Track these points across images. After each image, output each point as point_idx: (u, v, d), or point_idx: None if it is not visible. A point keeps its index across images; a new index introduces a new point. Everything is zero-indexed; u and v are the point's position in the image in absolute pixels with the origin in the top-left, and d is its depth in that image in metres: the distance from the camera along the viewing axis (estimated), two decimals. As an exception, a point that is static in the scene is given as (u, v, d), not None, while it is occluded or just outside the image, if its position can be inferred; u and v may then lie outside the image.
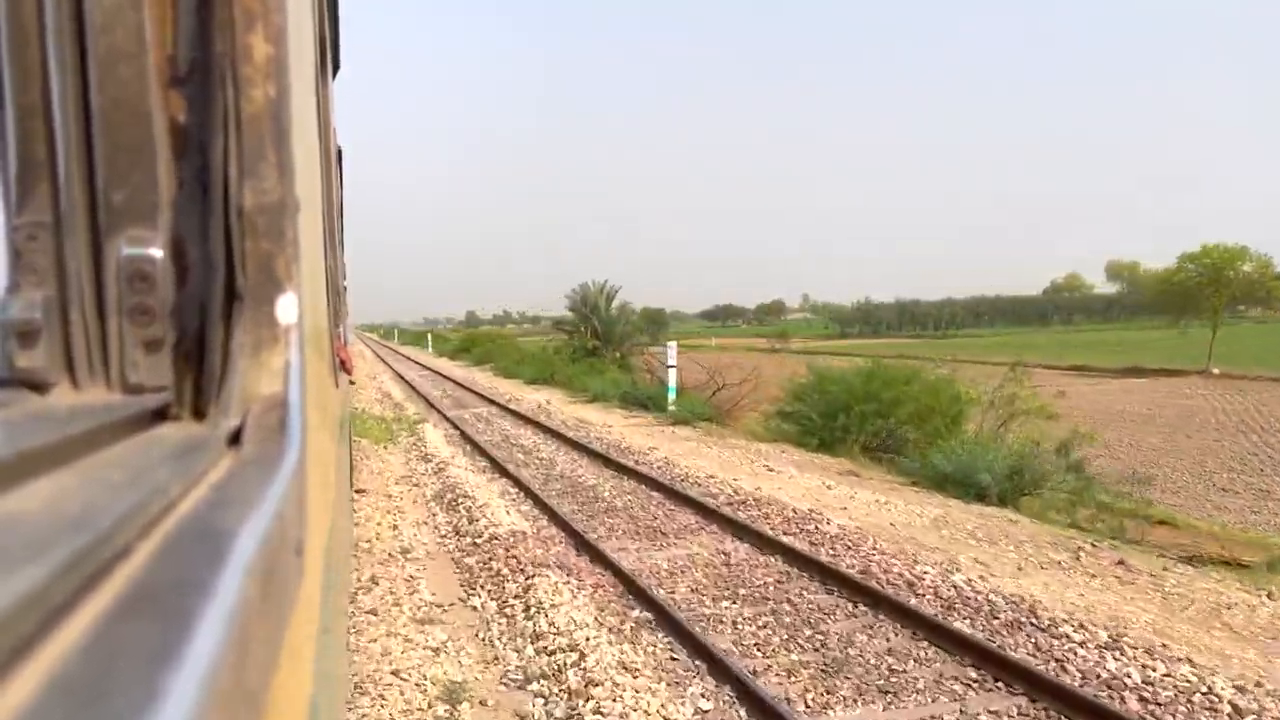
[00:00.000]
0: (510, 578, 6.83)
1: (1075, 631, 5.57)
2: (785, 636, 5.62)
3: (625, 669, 5.07)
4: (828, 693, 4.85)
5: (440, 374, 33.20)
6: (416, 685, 5.02)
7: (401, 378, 30.89)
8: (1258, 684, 4.86)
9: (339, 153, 5.31)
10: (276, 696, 0.47)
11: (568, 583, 6.60)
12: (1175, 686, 4.81)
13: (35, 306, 0.63)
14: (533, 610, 6.10)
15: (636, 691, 4.78)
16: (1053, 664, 5.14)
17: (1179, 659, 5.17)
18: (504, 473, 11.13)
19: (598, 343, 31.69)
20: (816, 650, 5.41)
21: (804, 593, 6.40)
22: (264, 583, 0.44)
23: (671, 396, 17.59)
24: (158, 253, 0.65)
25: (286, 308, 0.68)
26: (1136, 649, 5.29)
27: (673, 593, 6.46)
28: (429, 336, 71.73)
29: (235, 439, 0.63)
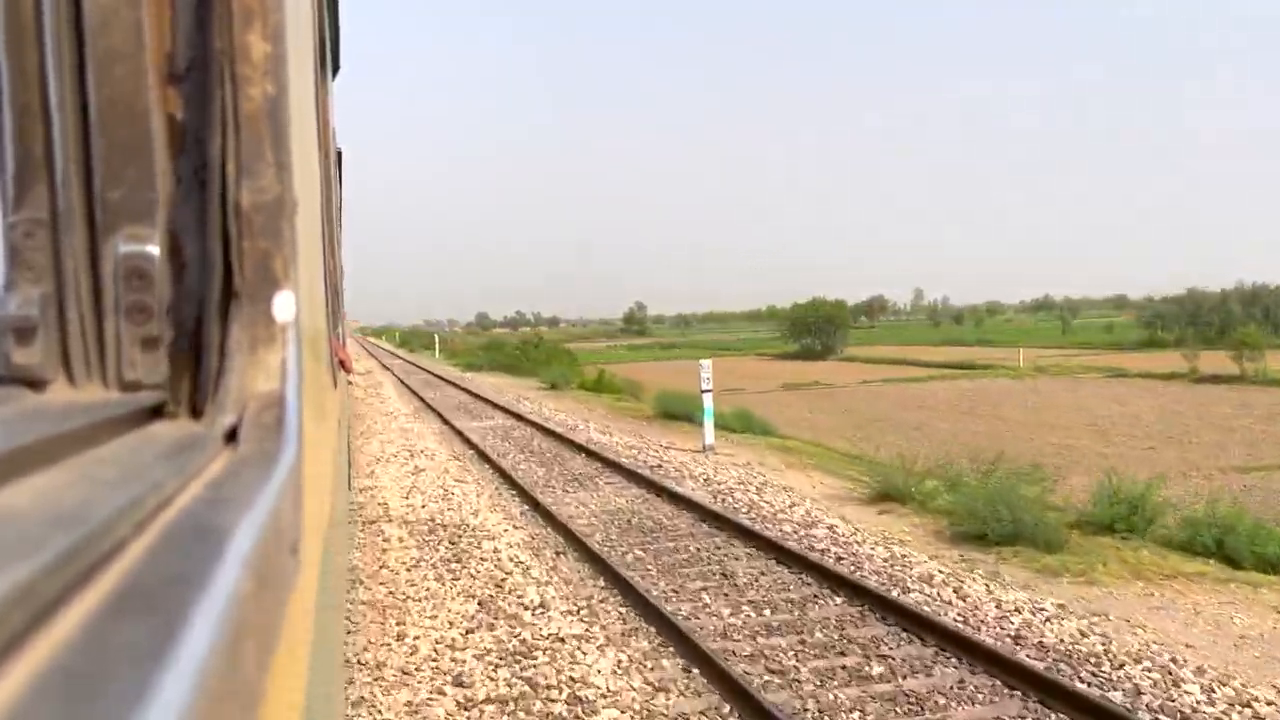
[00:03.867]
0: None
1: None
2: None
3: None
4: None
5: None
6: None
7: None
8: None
9: (339, 154, 5.30)
10: (272, 694, 0.47)
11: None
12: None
13: (32, 303, 0.63)
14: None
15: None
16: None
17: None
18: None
19: None
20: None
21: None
22: (260, 580, 0.44)
23: None
24: (155, 250, 0.65)
25: (283, 306, 0.68)
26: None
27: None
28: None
29: (231, 437, 0.63)
